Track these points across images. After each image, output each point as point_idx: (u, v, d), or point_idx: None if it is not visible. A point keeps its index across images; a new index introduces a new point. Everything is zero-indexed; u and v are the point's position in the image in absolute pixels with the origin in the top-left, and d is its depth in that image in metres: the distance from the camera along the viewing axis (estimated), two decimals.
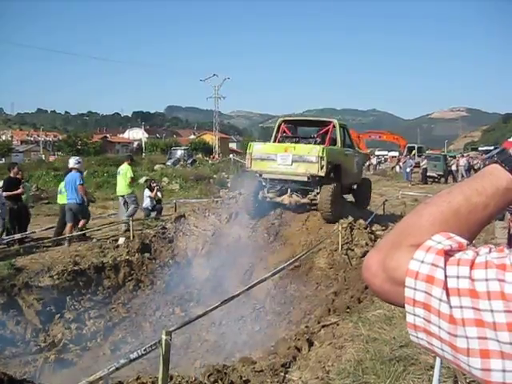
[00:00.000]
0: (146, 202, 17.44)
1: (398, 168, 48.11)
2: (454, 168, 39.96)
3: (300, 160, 13.36)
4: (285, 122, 15.90)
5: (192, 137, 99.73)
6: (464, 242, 0.90)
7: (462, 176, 35.87)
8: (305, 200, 13.95)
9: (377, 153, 71.20)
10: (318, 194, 13.63)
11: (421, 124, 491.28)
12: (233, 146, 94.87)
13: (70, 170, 14.41)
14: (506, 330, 0.76)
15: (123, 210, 15.77)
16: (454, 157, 50.67)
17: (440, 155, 44.65)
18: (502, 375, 0.77)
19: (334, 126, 14.89)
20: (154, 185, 18.23)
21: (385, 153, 77.71)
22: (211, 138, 74.94)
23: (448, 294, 0.83)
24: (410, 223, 0.99)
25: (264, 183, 14.37)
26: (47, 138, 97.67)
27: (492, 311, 0.78)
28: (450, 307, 0.82)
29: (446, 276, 0.84)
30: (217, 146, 66.53)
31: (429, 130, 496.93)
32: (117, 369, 3.62)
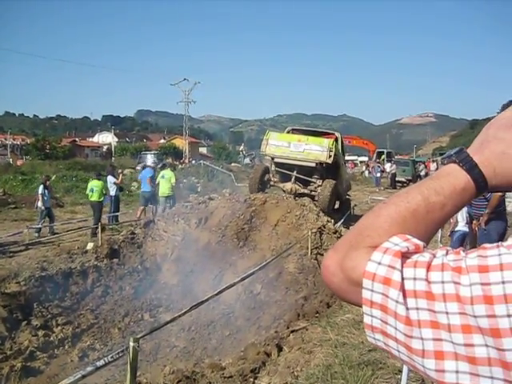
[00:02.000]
0: (112, 189, 17.65)
1: (367, 173, 48.51)
2: (422, 173, 40.45)
3: (311, 149, 15.22)
4: (293, 130, 18.01)
5: (162, 141, 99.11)
6: (421, 243, 0.91)
7: None
8: (305, 190, 15.81)
9: (346, 158, 71.60)
10: (318, 186, 15.65)
11: (390, 129, 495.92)
12: (203, 150, 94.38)
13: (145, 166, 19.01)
14: (460, 332, 0.77)
15: (164, 206, 18.01)
16: (423, 162, 51.32)
17: (409, 160, 45.29)
18: (456, 376, 0.78)
19: (336, 138, 17.14)
20: (120, 171, 18.80)
21: (354, 158, 78.21)
22: (181, 143, 74.54)
23: (405, 296, 0.83)
24: (368, 224, 0.99)
25: (272, 168, 16.59)
26: (15, 142, 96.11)
27: (447, 313, 0.79)
28: (407, 309, 0.83)
29: (402, 278, 0.84)
30: (187, 151, 66.24)
31: (398, 135, 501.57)
32: (83, 376, 3.58)
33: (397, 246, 0.89)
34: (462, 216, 9.45)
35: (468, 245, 9.69)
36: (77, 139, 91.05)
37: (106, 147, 79.50)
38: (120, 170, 20.79)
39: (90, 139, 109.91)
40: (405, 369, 3.98)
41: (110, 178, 18.50)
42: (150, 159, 20.40)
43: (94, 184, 17.39)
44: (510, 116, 1.01)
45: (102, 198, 17.25)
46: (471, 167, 0.98)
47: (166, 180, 18.54)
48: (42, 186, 17.01)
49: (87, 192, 17.59)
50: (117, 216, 18.17)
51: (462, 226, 9.59)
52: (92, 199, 17.30)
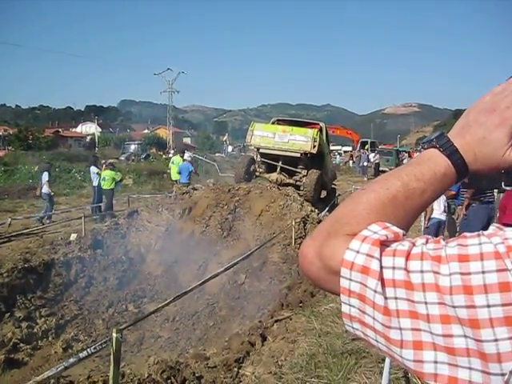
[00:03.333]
0: (95, 180, 17.81)
1: (351, 163, 48.63)
2: (405, 162, 40.63)
3: (296, 139, 15.39)
4: (278, 120, 18.37)
5: (146, 131, 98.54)
6: (400, 232, 0.90)
7: None
8: (290, 180, 15.97)
9: (330, 148, 71.54)
10: (303, 176, 15.85)
11: (374, 119, 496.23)
12: (187, 140, 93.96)
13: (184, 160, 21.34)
14: (439, 322, 0.77)
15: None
16: (407, 151, 51.54)
17: (392, 150, 45.44)
18: (434, 366, 0.78)
19: (321, 128, 17.44)
20: (103, 162, 18.89)
21: (338, 147, 78.30)
22: (165, 133, 74.28)
23: (383, 285, 0.83)
24: (347, 211, 0.98)
25: (258, 159, 16.77)
26: None
27: (426, 303, 0.78)
28: (385, 298, 0.82)
29: (381, 267, 0.84)
30: (171, 141, 65.94)
31: (382, 125, 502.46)
32: (66, 368, 3.56)
33: (375, 234, 0.88)
34: (438, 204, 9.47)
35: (444, 233, 9.74)
36: (60, 130, 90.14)
37: (89, 138, 78.89)
38: (103, 161, 20.78)
39: (73, 129, 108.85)
40: (388, 357, 4.00)
41: (93, 169, 18.51)
42: (187, 154, 22.34)
43: (107, 173, 18.51)
44: (491, 100, 1.00)
45: (112, 186, 18.44)
46: (452, 152, 0.98)
47: (176, 165, 21.25)
48: (46, 173, 17.61)
49: (100, 180, 18.58)
50: (100, 207, 18.10)
51: (437, 214, 9.60)
52: (104, 187, 18.40)
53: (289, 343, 6.26)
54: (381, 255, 0.85)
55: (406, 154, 45.76)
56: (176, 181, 20.31)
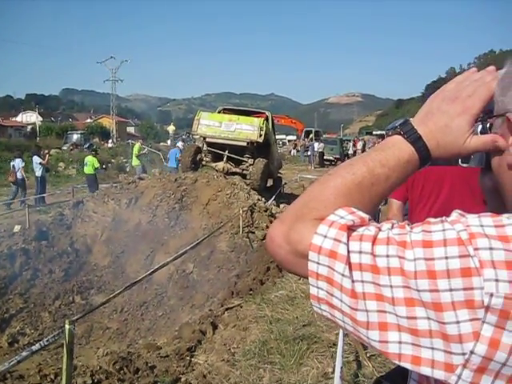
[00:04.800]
0: (38, 170, 17.56)
1: (294, 152, 48.93)
2: (350, 152, 41.24)
3: (242, 128, 15.47)
4: (224, 110, 18.25)
5: (89, 120, 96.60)
6: (366, 216, 0.92)
7: None
8: (237, 169, 16.01)
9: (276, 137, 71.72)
10: (250, 165, 15.85)
11: (318, 108, 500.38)
12: (131, 129, 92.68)
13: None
14: (403, 305, 0.80)
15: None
16: (352, 140, 52.17)
17: (336, 139, 45.89)
18: (399, 347, 0.81)
19: (267, 117, 17.67)
20: (46, 152, 18.83)
21: (283, 137, 78.68)
22: (109, 122, 72.99)
23: (350, 269, 0.85)
24: (314, 195, 1.00)
25: (204, 148, 16.79)
26: None
27: (391, 286, 0.81)
28: (352, 282, 0.84)
29: (348, 251, 0.86)
30: (114, 130, 64.91)
31: (325, 114, 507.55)
32: (18, 362, 3.48)
33: (342, 219, 0.90)
34: None
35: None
36: None
37: (30, 127, 76.96)
38: (46, 151, 20.49)
39: (14, 119, 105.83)
40: (340, 341, 4.07)
41: (36, 159, 18.12)
42: (179, 142, 25.47)
43: (88, 159, 19.67)
44: (454, 89, 1.03)
45: (93, 171, 19.43)
46: (415, 139, 1.00)
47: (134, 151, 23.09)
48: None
49: (84, 166, 20.15)
50: (43, 197, 17.72)
51: None
52: (86, 172, 19.74)
53: (240, 331, 6.29)
54: (348, 240, 0.87)
55: (351, 143, 46.30)
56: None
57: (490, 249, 0.76)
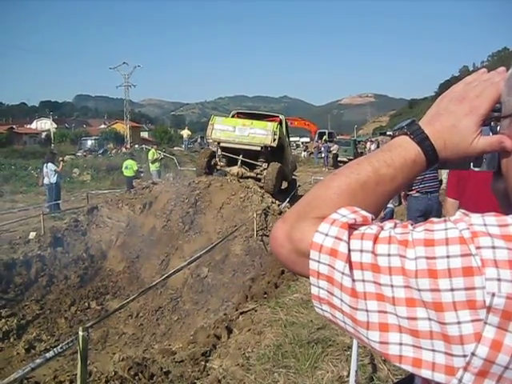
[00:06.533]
0: (53, 177, 17.60)
1: (305, 154, 48.89)
2: (366, 152, 41.26)
3: (256, 133, 15.57)
4: (238, 114, 18.55)
5: (103, 126, 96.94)
6: (369, 215, 0.91)
7: None
8: (251, 173, 16.05)
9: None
10: (264, 169, 15.94)
11: (331, 110, 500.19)
12: (144, 134, 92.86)
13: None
14: (404, 305, 0.78)
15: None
16: (365, 141, 52.01)
17: (350, 140, 45.80)
18: (399, 348, 0.80)
19: (280, 120, 17.82)
20: (61, 159, 18.99)
21: (296, 139, 78.63)
22: (122, 127, 73.20)
23: (351, 268, 0.83)
24: (318, 195, 0.99)
25: (218, 153, 16.78)
26: None
27: (392, 286, 0.79)
28: (353, 281, 0.83)
29: (349, 250, 0.84)
30: (128, 135, 65.10)
31: (339, 115, 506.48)
32: (32, 369, 3.50)
33: (344, 217, 0.89)
34: None
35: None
36: (14, 126, 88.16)
37: (44, 134, 77.37)
38: (61, 158, 20.60)
39: (28, 126, 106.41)
40: (354, 345, 4.05)
41: (50, 166, 18.13)
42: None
43: (128, 162, 21.41)
44: (462, 89, 1.02)
45: (134, 174, 21.31)
46: (422, 139, 0.99)
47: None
48: (51, 164, 17.95)
49: (122, 169, 21.79)
50: (58, 204, 17.80)
51: (389, 203, 9.75)
52: (127, 175, 21.29)
53: (255, 335, 6.28)
54: (349, 238, 0.86)
55: (369, 144, 46.25)
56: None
57: (493, 247, 0.75)
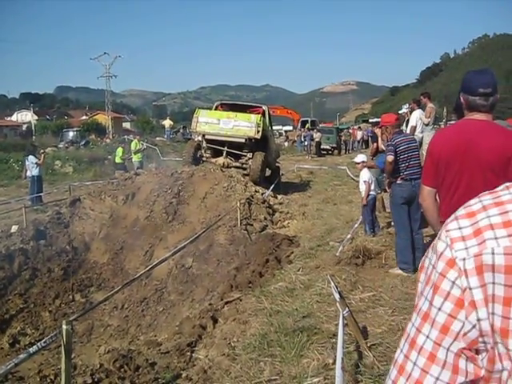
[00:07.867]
0: (34, 169, 17.39)
1: (286, 143, 49.03)
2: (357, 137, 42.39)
3: (240, 125, 16.02)
4: (221, 105, 18.81)
5: (84, 117, 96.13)
6: None
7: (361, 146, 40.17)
8: (236, 163, 16.56)
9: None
10: (249, 159, 16.44)
11: (313, 98, 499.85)
12: (127, 125, 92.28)
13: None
14: None
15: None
16: (348, 128, 52.21)
17: (333, 128, 45.80)
18: None
19: (263, 111, 18.09)
20: (42, 151, 18.74)
21: (279, 127, 78.61)
22: (104, 118, 72.66)
23: None
24: None
25: (203, 144, 17.19)
26: None
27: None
28: None
29: None
30: (110, 126, 64.65)
31: (321, 103, 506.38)
32: (16, 365, 3.47)
33: None
34: (373, 181, 9.82)
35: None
36: None
37: (25, 126, 76.66)
38: (42, 150, 20.23)
39: (9, 118, 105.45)
40: (340, 332, 4.05)
41: (31, 158, 17.90)
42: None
43: (118, 150, 23.45)
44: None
45: (120, 161, 22.87)
46: None
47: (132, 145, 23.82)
48: (32, 156, 17.60)
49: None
50: (40, 197, 17.63)
51: (372, 191, 9.86)
52: (117, 162, 23.09)
53: (240, 324, 6.28)
54: None
55: (348, 132, 46.59)
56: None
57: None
